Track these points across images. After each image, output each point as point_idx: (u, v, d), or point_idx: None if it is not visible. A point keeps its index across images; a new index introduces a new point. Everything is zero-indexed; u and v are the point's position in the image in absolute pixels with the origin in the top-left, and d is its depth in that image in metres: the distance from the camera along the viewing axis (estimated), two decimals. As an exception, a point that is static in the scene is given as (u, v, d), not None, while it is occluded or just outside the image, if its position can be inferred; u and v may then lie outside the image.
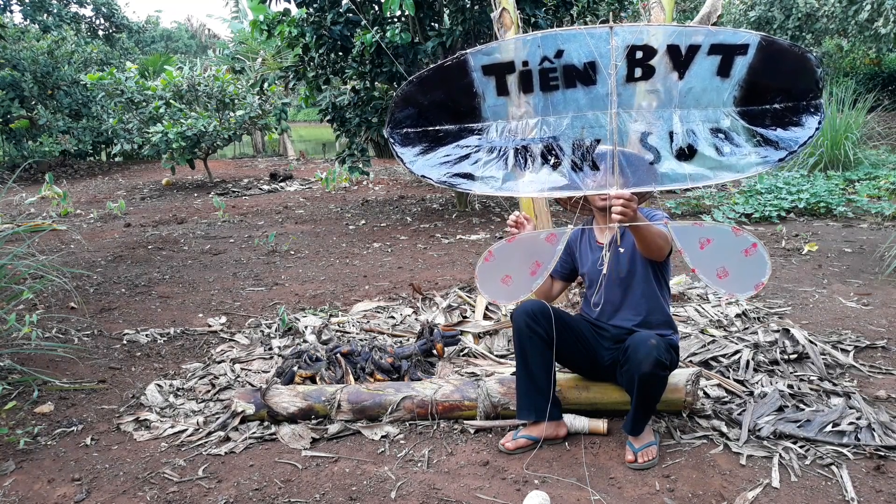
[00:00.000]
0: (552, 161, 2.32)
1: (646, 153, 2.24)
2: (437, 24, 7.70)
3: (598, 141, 2.28)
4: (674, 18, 3.59)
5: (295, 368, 3.19)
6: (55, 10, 16.61)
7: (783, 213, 6.82)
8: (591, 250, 2.68)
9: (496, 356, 3.49)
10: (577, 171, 2.31)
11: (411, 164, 2.40)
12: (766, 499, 2.23)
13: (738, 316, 3.88)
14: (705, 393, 2.95)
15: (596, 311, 2.65)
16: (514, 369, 2.75)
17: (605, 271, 2.42)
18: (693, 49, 2.13)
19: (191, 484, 2.44)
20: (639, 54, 2.15)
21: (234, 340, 3.93)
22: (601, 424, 2.66)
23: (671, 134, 2.22)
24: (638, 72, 2.18)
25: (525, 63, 2.25)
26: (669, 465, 2.44)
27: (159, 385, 3.27)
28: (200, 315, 4.41)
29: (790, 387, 2.97)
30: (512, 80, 2.29)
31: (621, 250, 2.54)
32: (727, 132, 2.20)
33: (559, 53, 2.21)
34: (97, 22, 18.15)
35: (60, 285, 4.09)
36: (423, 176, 2.41)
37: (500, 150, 2.36)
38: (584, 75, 2.22)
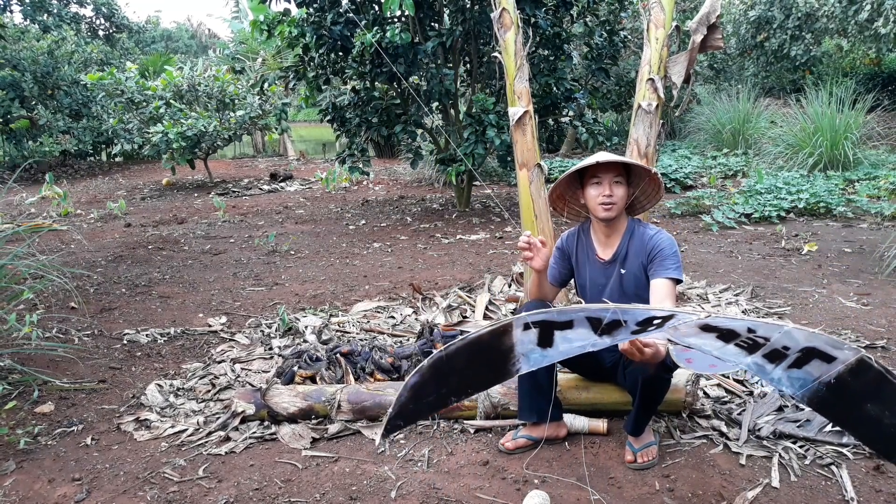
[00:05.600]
0: None
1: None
2: (437, 24, 7.71)
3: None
4: (673, 18, 3.58)
5: (295, 368, 3.19)
6: (55, 10, 16.58)
7: (783, 213, 6.81)
8: (589, 262, 2.58)
9: (496, 356, 3.49)
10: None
11: None
12: (766, 499, 2.23)
13: (737, 316, 3.88)
14: (705, 393, 2.96)
15: None
16: (514, 369, 2.74)
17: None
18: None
19: (191, 484, 2.44)
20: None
21: (234, 340, 3.94)
22: (601, 424, 2.66)
23: None
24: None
25: None
26: (669, 465, 2.44)
27: (159, 385, 3.28)
28: (201, 315, 4.42)
29: (790, 387, 2.98)
30: None
31: (623, 272, 2.50)
32: None
33: None
34: (97, 22, 18.13)
35: (61, 285, 4.09)
36: None
37: None
38: None
